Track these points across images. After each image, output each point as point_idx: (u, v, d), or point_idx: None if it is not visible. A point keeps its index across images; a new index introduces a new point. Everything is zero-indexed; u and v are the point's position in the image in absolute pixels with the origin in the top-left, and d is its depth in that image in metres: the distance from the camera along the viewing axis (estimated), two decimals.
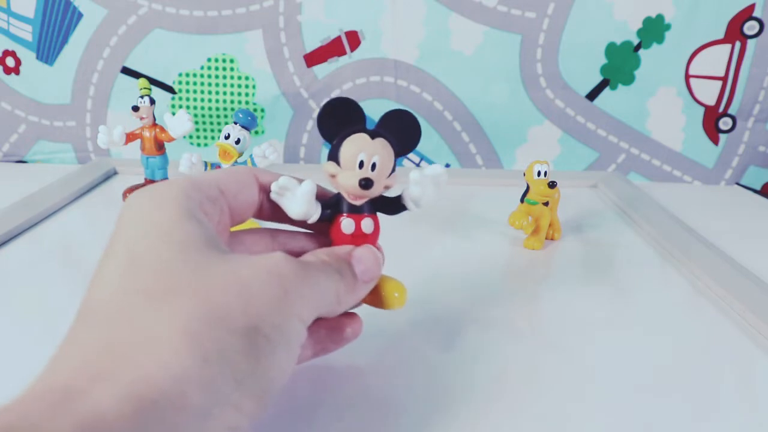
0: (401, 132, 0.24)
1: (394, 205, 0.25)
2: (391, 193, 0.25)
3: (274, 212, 0.24)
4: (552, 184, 0.39)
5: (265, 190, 0.23)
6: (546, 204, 0.42)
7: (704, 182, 0.64)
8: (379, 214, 0.25)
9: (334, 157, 0.23)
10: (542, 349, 0.29)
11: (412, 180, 0.24)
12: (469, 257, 0.41)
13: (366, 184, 0.22)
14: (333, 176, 0.23)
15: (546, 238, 0.43)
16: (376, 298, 0.24)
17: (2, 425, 0.12)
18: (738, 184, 0.64)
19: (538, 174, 0.40)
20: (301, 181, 0.23)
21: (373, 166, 0.22)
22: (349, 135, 0.23)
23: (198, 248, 0.17)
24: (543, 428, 0.23)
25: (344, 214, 0.23)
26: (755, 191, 0.63)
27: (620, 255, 0.43)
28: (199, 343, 0.15)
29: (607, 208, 0.53)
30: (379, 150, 0.22)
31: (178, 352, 0.15)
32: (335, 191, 0.24)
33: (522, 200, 0.42)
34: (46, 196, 0.48)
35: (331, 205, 0.24)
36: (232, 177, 0.22)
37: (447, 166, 0.65)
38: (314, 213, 0.23)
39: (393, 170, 0.24)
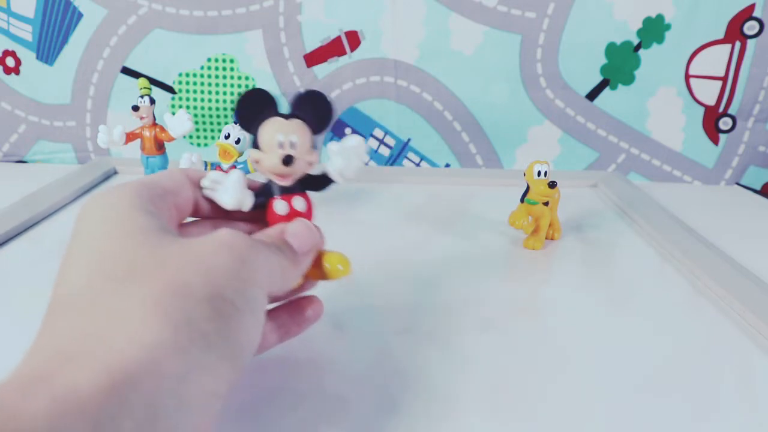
0: (314, 111, 0.25)
1: (321, 181, 0.26)
2: (316, 172, 0.26)
3: (211, 210, 0.24)
4: (552, 184, 0.39)
5: (199, 187, 0.24)
6: (546, 204, 0.42)
7: (704, 182, 0.64)
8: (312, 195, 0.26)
9: (255, 144, 0.24)
10: (542, 349, 0.29)
11: (333, 152, 0.25)
12: (469, 257, 0.41)
13: (287, 159, 0.23)
14: (257, 161, 0.24)
15: (546, 238, 0.43)
16: (320, 271, 0.25)
17: None
18: (738, 184, 0.64)
19: (538, 174, 0.40)
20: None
21: (293, 145, 0.23)
22: (264, 120, 0.24)
23: (154, 234, 0.18)
24: (542, 427, 0.23)
25: (276, 197, 0.25)
26: (755, 191, 0.63)
27: (620, 255, 0.43)
28: (168, 314, 0.16)
29: (607, 208, 0.53)
30: (295, 129, 0.24)
31: (148, 324, 0.15)
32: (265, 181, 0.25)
33: (522, 200, 0.42)
34: (46, 196, 0.48)
35: (263, 192, 0.25)
36: (169, 177, 0.23)
37: (447, 165, 0.65)
38: (247, 201, 0.24)
39: (313, 147, 0.25)
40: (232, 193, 0.23)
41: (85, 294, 0.16)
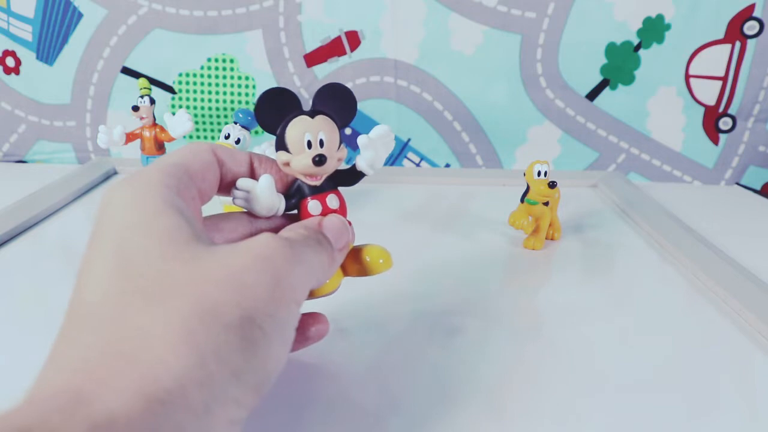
0: (337, 104, 0.25)
1: (352, 175, 0.25)
2: (343, 166, 0.25)
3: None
4: (552, 184, 0.39)
5: (222, 165, 0.23)
6: (546, 204, 0.42)
7: (704, 182, 0.64)
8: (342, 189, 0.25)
9: (282, 145, 0.23)
10: (542, 349, 0.29)
11: (362, 145, 0.25)
12: (469, 257, 0.41)
13: (320, 159, 0.22)
14: (286, 164, 0.23)
15: (546, 238, 0.43)
16: (361, 266, 0.24)
17: (20, 427, 0.12)
18: (738, 184, 0.64)
19: (538, 174, 0.40)
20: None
21: (321, 143, 0.23)
22: (290, 120, 0.23)
23: (185, 242, 0.17)
24: (543, 427, 0.24)
25: (308, 198, 0.24)
26: (755, 191, 0.63)
27: (620, 255, 0.43)
28: (196, 342, 0.15)
29: (607, 208, 0.53)
30: (322, 126, 0.23)
31: (177, 352, 0.15)
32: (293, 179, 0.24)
33: (522, 200, 0.42)
34: (46, 196, 0.48)
35: (294, 193, 0.24)
36: (197, 158, 0.21)
37: (447, 165, 0.65)
38: (280, 206, 0.23)
39: (341, 142, 0.24)
40: (263, 201, 0.23)
41: (113, 306, 0.16)
